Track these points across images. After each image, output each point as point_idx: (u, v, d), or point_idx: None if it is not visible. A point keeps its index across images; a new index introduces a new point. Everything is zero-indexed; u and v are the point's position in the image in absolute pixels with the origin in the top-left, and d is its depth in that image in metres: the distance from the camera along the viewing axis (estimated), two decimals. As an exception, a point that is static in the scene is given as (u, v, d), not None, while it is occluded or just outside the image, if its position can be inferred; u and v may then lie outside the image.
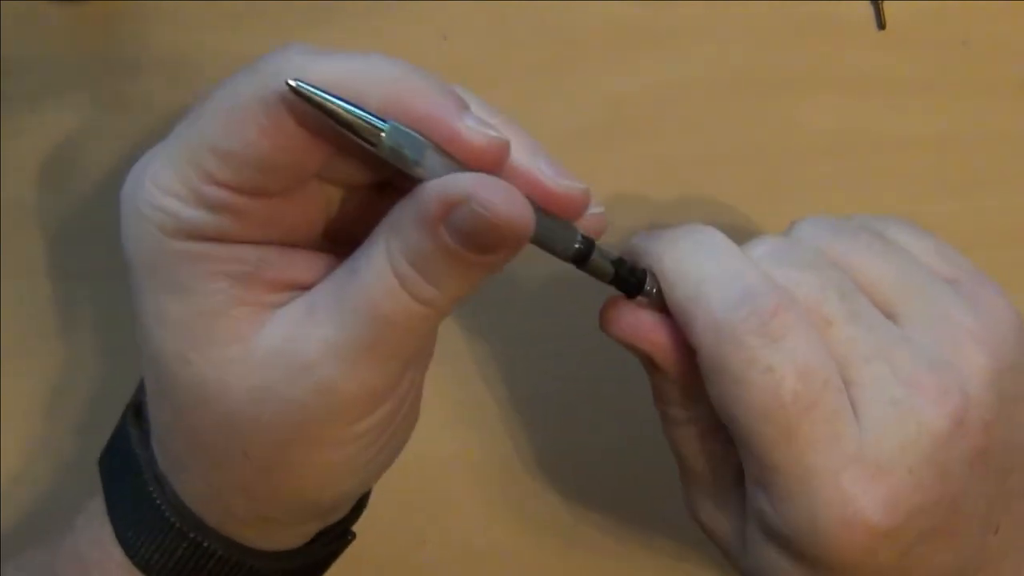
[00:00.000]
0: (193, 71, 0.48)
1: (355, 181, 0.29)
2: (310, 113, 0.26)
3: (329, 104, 0.26)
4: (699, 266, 0.30)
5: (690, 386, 0.32)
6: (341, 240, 0.31)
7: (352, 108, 0.26)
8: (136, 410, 0.33)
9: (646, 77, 0.47)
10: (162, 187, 0.28)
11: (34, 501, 0.46)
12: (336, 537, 0.35)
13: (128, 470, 0.32)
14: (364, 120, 0.26)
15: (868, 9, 0.48)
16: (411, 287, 0.27)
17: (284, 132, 0.27)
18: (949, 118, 0.47)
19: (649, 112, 0.47)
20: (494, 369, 0.46)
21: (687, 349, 0.31)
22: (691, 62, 0.47)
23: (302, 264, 0.29)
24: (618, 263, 0.30)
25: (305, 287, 0.29)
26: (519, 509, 0.45)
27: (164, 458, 0.32)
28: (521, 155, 0.28)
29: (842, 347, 0.29)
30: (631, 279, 0.31)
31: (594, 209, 0.30)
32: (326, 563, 0.36)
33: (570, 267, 0.46)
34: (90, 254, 0.47)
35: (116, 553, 0.32)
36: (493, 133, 0.27)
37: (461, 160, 0.27)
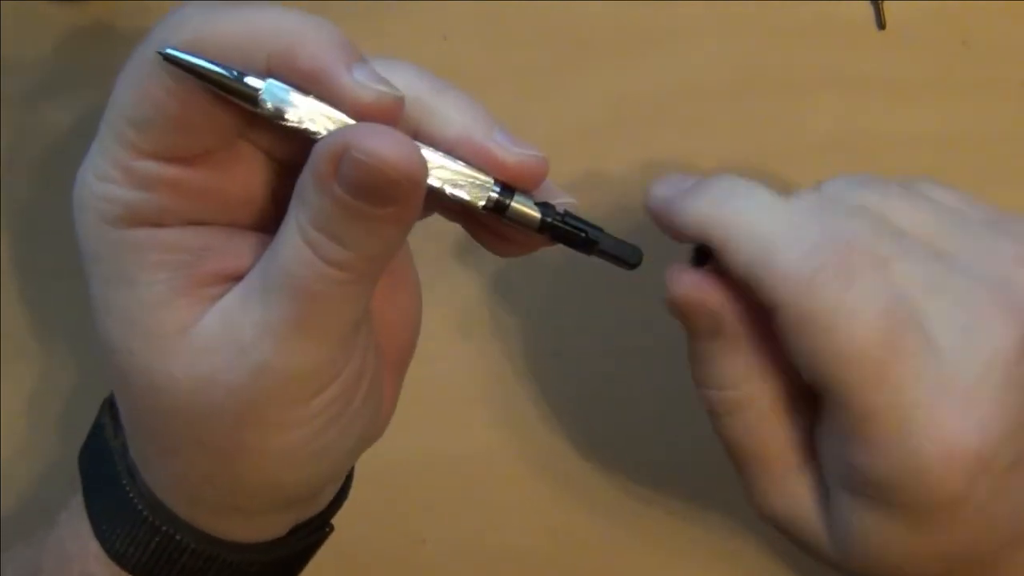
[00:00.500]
0: (193, 71, 0.48)
1: (286, 151, 0.29)
2: (188, 76, 0.26)
3: (200, 68, 0.26)
4: (761, 223, 0.30)
5: (753, 357, 0.32)
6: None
7: (223, 70, 0.26)
8: (111, 402, 0.33)
9: (646, 77, 0.47)
10: (99, 174, 0.28)
11: (33, 501, 0.46)
12: (314, 530, 0.35)
13: (103, 462, 0.33)
14: (238, 81, 0.26)
15: (868, 9, 0.48)
16: (321, 252, 0.27)
17: (189, 89, 0.27)
18: (949, 118, 0.47)
19: (649, 112, 0.47)
20: (494, 369, 0.46)
21: (749, 315, 0.31)
22: (691, 62, 0.47)
23: (242, 249, 0.29)
24: (545, 207, 0.29)
25: (243, 276, 0.29)
26: (519, 509, 0.45)
27: (132, 449, 0.32)
28: (471, 126, 0.28)
29: (903, 284, 0.30)
30: (567, 226, 0.30)
31: (564, 199, 0.30)
32: (305, 556, 0.36)
33: (571, 265, 0.46)
34: (90, 254, 0.47)
35: (93, 546, 0.32)
36: (382, 88, 0.27)
37: (351, 116, 0.27)
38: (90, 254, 0.29)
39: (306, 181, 0.27)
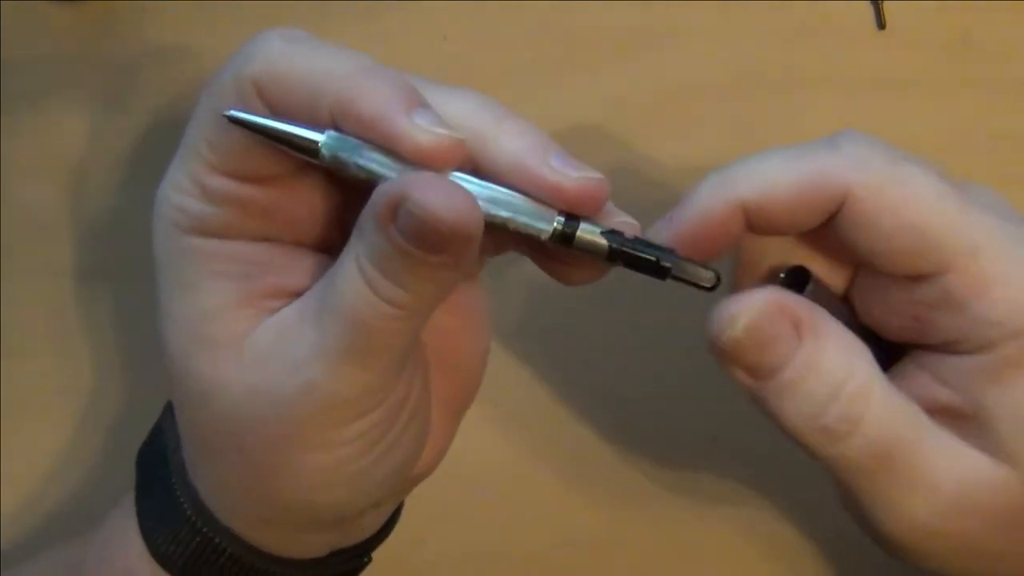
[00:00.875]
0: (193, 71, 0.48)
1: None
2: (278, 99, 0.28)
3: (262, 128, 0.28)
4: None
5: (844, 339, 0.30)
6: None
7: (284, 126, 0.28)
8: (171, 406, 0.34)
9: (645, 77, 0.47)
10: (176, 186, 0.30)
11: (34, 501, 0.46)
12: (352, 557, 0.35)
13: (157, 462, 0.33)
14: (299, 136, 0.28)
15: (868, 9, 0.48)
16: (379, 289, 0.27)
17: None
18: (949, 118, 0.47)
19: (649, 112, 0.47)
20: (494, 370, 0.46)
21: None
22: (691, 62, 0.47)
23: (303, 267, 0.30)
24: (612, 235, 0.29)
25: (301, 293, 0.30)
26: (519, 509, 0.45)
27: (184, 452, 0.33)
28: (525, 153, 0.28)
29: None
30: (637, 252, 0.29)
31: (622, 218, 0.30)
32: None
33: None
34: (90, 254, 0.47)
35: (137, 543, 0.33)
36: (441, 131, 0.27)
37: (411, 161, 0.27)
38: (160, 261, 0.30)
39: (367, 219, 0.27)
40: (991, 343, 0.29)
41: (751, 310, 0.29)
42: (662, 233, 0.30)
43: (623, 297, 0.46)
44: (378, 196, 0.27)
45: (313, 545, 0.34)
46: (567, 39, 0.48)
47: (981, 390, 0.29)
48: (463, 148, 0.28)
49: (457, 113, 0.29)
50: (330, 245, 0.31)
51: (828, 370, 0.29)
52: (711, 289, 0.29)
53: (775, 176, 0.29)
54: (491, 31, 0.48)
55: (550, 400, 0.46)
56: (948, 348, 0.30)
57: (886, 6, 0.47)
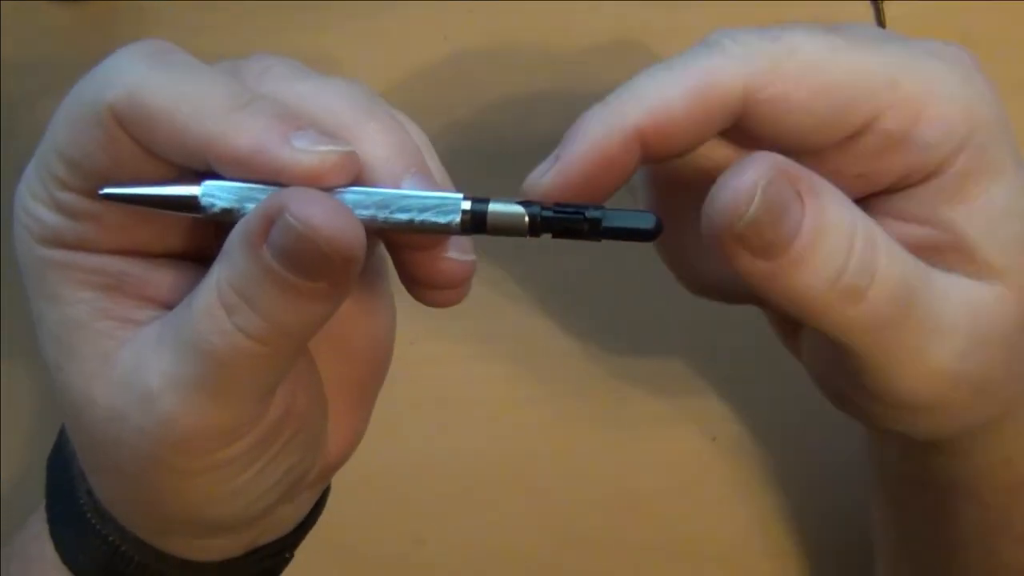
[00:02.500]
0: (193, 71, 0.48)
1: None
2: (141, 132, 0.26)
3: (138, 196, 0.26)
4: None
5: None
6: None
7: (157, 192, 0.26)
8: None
9: (646, 77, 0.47)
10: (31, 192, 0.28)
11: (34, 502, 0.46)
12: (271, 554, 0.34)
13: (62, 468, 0.32)
14: (175, 196, 0.26)
15: (868, 9, 0.48)
16: (237, 319, 0.25)
17: (119, 145, 0.26)
18: (949, 118, 0.47)
19: (649, 112, 0.47)
20: (493, 369, 0.46)
21: None
22: (691, 62, 0.47)
23: (168, 279, 0.28)
24: (528, 204, 0.26)
25: (171, 305, 0.28)
26: (518, 509, 0.45)
27: (80, 460, 0.31)
28: (386, 161, 0.26)
29: None
30: (564, 215, 0.26)
31: (460, 256, 0.28)
32: None
33: (567, 266, 0.46)
34: (90, 254, 0.47)
35: (50, 550, 0.32)
36: (324, 148, 0.25)
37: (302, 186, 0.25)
38: (23, 266, 0.28)
39: (235, 238, 0.25)
40: (942, 163, 0.28)
41: (765, 180, 0.25)
42: (546, 176, 0.28)
43: (622, 297, 0.46)
44: (251, 213, 0.25)
45: (224, 547, 0.32)
46: (567, 39, 0.48)
47: (948, 213, 0.28)
48: (354, 159, 0.26)
49: (321, 108, 0.27)
50: (202, 256, 0.29)
51: (837, 225, 0.26)
52: (652, 236, 0.26)
53: (666, 93, 0.27)
54: (491, 31, 0.48)
55: (550, 400, 0.46)
56: (901, 185, 0.29)
57: (886, 6, 0.47)
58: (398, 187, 0.26)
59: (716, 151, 0.29)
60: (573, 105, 0.48)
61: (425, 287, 0.29)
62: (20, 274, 0.46)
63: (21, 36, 0.48)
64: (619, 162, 0.28)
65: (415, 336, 0.43)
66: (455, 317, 0.47)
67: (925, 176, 0.28)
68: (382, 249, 0.31)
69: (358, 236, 0.24)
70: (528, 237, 0.27)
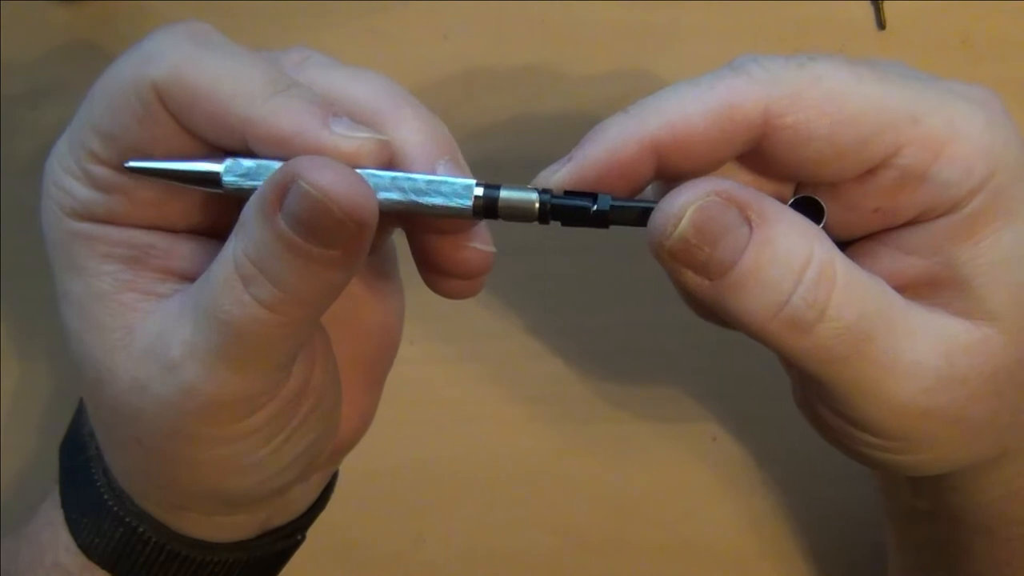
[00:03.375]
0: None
1: None
2: (182, 109, 0.27)
3: (164, 171, 0.27)
4: None
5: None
6: None
7: (184, 167, 0.27)
8: None
9: (646, 77, 0.47)
10: (63, 166, 0.28)
11: (34, 500, 0.46)
12: (283, 536, 0.34)
13: (78, 451, 0.33)
14: (199, 171, 0.27)
15: (868, 9, 0.48)
16: (253, 289, 0.26)
17: (157, 121, 0.27)
18: (949, 118, 0.47)
19: (649, 112, 0.47)
20: (493, 369, 0.46)
21: None
22: (691, 62, 0.47)
23: (192, 253, 0.29)
24: (540, 191, 0.27)
25: (194, 278, 0.28)
26: (518, 509, 0.45)
27: (97, 437, 0.32)
28: (419, 147, 0.27)
29: None
30: (573, 202, 0.27)
31: (482, 246, 0.28)
32: (275, 562, 0.35)
33: (569, 266, 0.46)
34: (90, 254, 0.47)
35: (64, 536, 0.32)
36: (362, 135, 0.26)
37: None
38: (49, 241, 0.29)
39: (250, 209, 0.26)
40: (957, 202, 0.28)
41: (695, 202, 0.26)
42: (558, 174, 0.28)
43: (623, 298, 0.46)
44: (265, 183, 0.26)
45: (239, 527, 0.33)
46: (567, 39, 0.48)
47: (952, 250, 0.28)
48: (387, 147, 0.27)
49: (359, 95, 0.28)
50: (225, 232, 0.29)
51: (785, 256, 0.26)
52: None
53: (687, 108, 0.27)
54: (491, 31, 0.48)
55: (549, 402, 0.46)
56: (913, 221, 0.29)
57: (886, 6, 0.47)
58: (433, 172, 0.27)
59: (735, 177, 0.29)
60: (573, 105, 0.48)
61: (445, 276, 0.29)
62: (18, 275, 0.46)
63: (21, 36, 0.48)
64: (632, 170, 0.28)
65: (416, 336, 0.43)
66: (456, 317, 0.47)
67: (940, 213, 0.28)
68: (393, 237, 0.32)
69: (370, 201, 0.25)
70: (537, 223, 0.27)
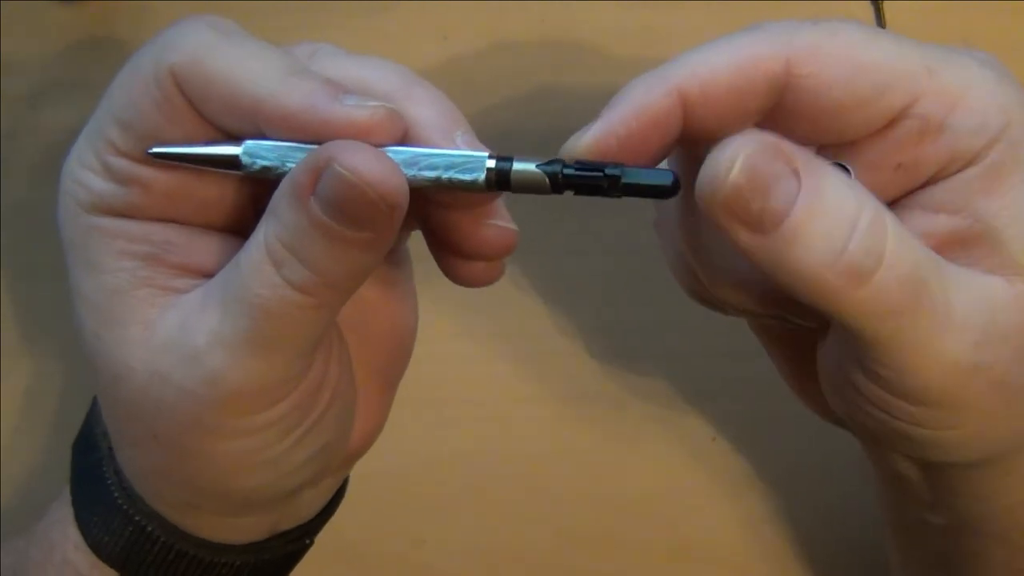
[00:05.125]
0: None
1: None
2: (197, 94, 0.27)
3: (184, 155, 0.28)
4: None
5: None
6: None
7: (203, 150, 0.28)
8: None
9: (646, 77, 0.47)
10: (81, 161, 0.29)
11: (35, 500, 0.46)
12: (292, 540, 0.34)
13: (91, 450, 0.33)
14: (218, 154, 0.28)
15: (868, 9, 0.48)
16: (284, 271, 0.26)
17: (175, 106, 0.28)
18: (949, 118, 0.47)
19: (649, 112, 0.47)
20: (493, 369, 0.46)
21: None
22: (691, 62, 0.47)
23: (210, 248, 0.29)
24: (550, 164, 0.27)
25: (211, 274, 0.29)
26: (518, 509, 0.45)
27: (110, 435, 0.32)
28: (432, 124, 0.28)
29: None
30: (585, 172, 0.27)
31: (503, 223, 0.29)
32: (282, 565, 0.35)
33: (569, 265, 0.46)
34: (90, 254, 0.47)
35: (74, 534, 0.32)
36: (374, 103, 0.27)
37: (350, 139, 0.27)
38: (66, 238, 0.29)
39: (282, 193, 0.27)
40: (977, 154, 0.28)
41: (745, 150, 0.26)
42: (587, 134, 0.28)
43: (623, 298, 0.46)
44: (298, 166, 0.26)
45: (249, 529, 0.33)
46: (567, 39, 0.48)
47: (978, 203, 0.28)
48: (400, 118, 0.27)
49: (369, 78, 0.28)
50: (243, 229, 0.30)
51: (838, 204, 0.26)
52: (671, 193, 0.27)
53: (713, 60, 0.28)
54: (491, 31, 0.48)
55: (550, 400, 0.46)
56: (937, 179, 0.29)
57: (886, 6, 0.47)
58: (453, 145, 0.27)
59: None
60: (573, 105, 0.48)
61: (465, 257, 0.30)
62: (19, 275, 0.46)
63: (21, 36, 0.48)
64: (661, 123, 0.28)
65: (416, 336, 0.44)
66: (456, 317, 0.47)
67: (961, 165, 0.28)
68: (407, 244, 0.32)
69: (402, 183, 0.26)
70: (551, 194, 0.27)
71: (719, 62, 0.28)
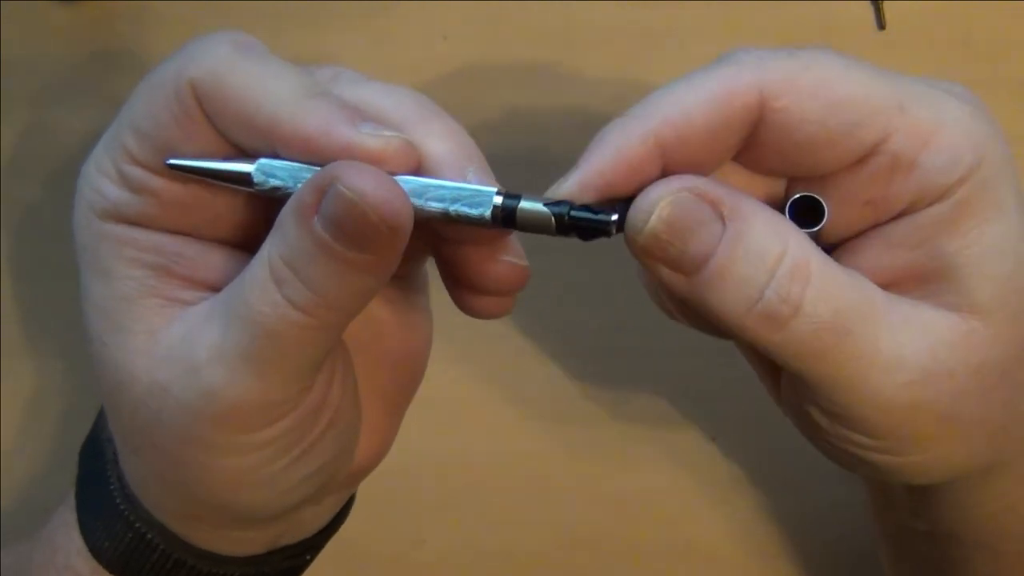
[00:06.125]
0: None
1: None
2: (216, 109, 0.28)
3: (200, 169, 0.28)
4: None
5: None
6: None
7: (217, 166, 0.28)
8: None
9: (646, 77, 0.47)
10: (99, 167, 0.29)
11: (34, 500, 0.46)
12: (292, 555, 0.34)
13: (96, 456, 0.33)
14: (231, 170, 0.28)
15: (868, 9, 0.48)
16: (286, 291, 0.26)
17: (193, 120, 0.28)
18: (949, 118, 0.47)
19: (649, 112, 0.47)
20: (493, 369, 0.46)
21: None
22: (691, 62, 0.47)
23: (219, 263, 0.30)
24: (556, 206, 0.27)
25: (219, 288, 0.29)
26: (518, 509, 0.45)
27: (115, 442, 0.32)
28: (446, 158, 0.28)
29: None
30: (590, 215, 0.27)
31: (515, 260, 0.29)
32: None
33: (569, 267, 0.46)
34: (90, 254, 0.47)
35: (77, 539, 0.32)
36: (389, 134, 0.27)
37: None
38: (79, 243, 0.30)
39: (287, 211, 0.27)
40: (946, 191, 0.28)
41: (666, 198, 0.27)
42: (565, 184, 0.28)
43: (622, 298, 0.46)
44: (303, 186, 0.26)
45: (249, 542, 0.33)
46: (567, 39, 0.48)
47: (939, 240, 0.28)
48: (414, 150, 0.27)
49: (388, 107, 0.28)
50: (253, 245, 0.29)
51: (757, 250, 0.27)
52: None
53: (686, 100, 0.27)
54: (491, 31, 0.48)
55: (549, 401, 0.46)
56: (903, 213, 0.29)
57: (886, 6, 0.47)
58: (464, 179, 0.27)
59: (730, 178, 0.30)
60: (573, 105, 0.48)
61: (476, 291, 0.30)
62: (19, 275, 0.46)
63: (21, 36, 0.48)
64: (639, 170, 0.28)
65: (428, 362, 0.43)
66: (455, 318, 0.47)
67: (927, 203, 0.28)
68: (425, 268, 0.32)
69: (406, 207, 0.26)
70: (555, 236, 0.27)
71: (693, 102, 0.28)
